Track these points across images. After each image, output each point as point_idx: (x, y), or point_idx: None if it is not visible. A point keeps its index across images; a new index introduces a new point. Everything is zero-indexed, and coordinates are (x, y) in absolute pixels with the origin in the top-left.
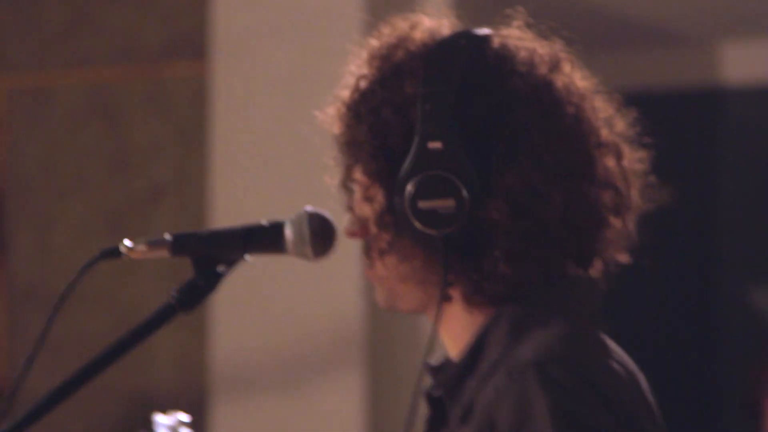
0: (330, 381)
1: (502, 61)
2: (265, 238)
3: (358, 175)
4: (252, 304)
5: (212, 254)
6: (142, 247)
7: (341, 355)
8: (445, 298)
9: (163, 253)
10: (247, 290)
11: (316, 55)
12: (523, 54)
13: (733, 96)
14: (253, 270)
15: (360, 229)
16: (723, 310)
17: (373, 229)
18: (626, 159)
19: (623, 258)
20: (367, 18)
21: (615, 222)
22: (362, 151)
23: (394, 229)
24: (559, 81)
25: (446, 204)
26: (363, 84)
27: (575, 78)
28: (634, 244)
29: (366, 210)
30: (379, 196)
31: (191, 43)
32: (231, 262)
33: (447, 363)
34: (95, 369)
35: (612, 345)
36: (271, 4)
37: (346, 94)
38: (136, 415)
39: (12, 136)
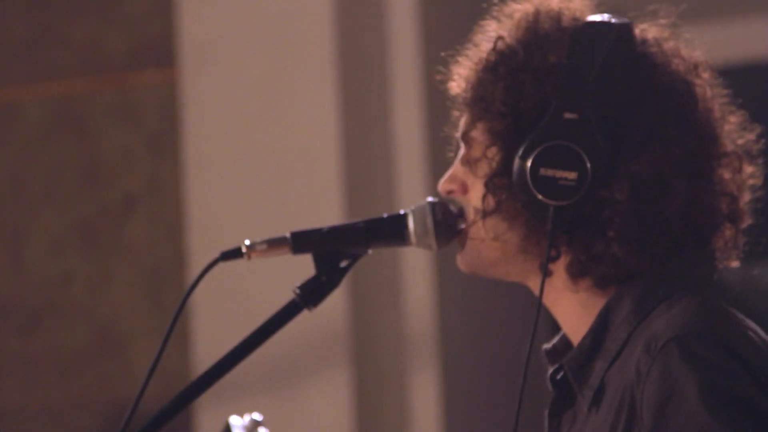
0: (315, 380)
1: (648, 51)
2: (387, 231)
3: (477, 133)
4: (231, 306)
5: (334, 250)
6: (262, 246)
7: (326, 354)
8: (545, 272)
9: (284, 252)
10: (226, 291)
11: (286, 58)
12: (666, 49)
13: None
14: (230, 270)
15: (459, 187)
16: None
17: (481, 189)
18: (743, 172)
19: (733, 264)
20: (334, 22)
21: (728, 228)
22: (491, 110)
23: (504, 192)
24: (697, 84)
25: (568, 176)
26: (502, 45)
27: (710, 85)
28: (742, 252)
29: (480, 168)
30: (497, 156)
31: (157, 51)
32: (354, 257)
33: (562, 344)
34: (216, 373)
35: (742, 316)
36: (238, 8)
37: (480, 51)
38: (117, 427)
39: None
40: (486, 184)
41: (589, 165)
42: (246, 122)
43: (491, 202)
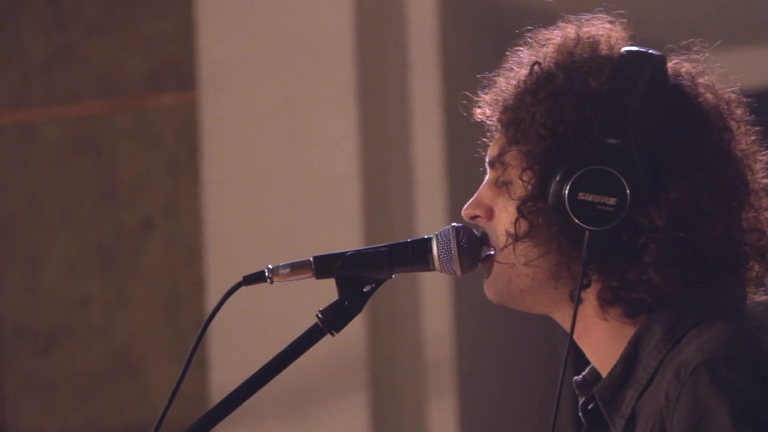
0: (332, 405)
1: (682, 83)
2: (411, 256)
3: (512, 156)
4: (249, 331)
5: (357, 274)
6: (285, 270)
7: (343, 380)
8: (578, 299)
9: (306, 276)
10: (244, 317)
11: (305, 81)
12: (700, 84)
13: None
14: (248, 294)
15: (484, 212)
16: None
17: (513, 213)
18: None
19: (758, 296)
20: (354, 45)
21: (757, 262)
22: (529, 132)
23: (538, 216)
24: (730, 119)
25: (607, 201)
26: (540, 69)
27: (742, 121)
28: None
29: (513, 191)
30: (533, 180)
31: (176, 73)
32: (377, 282)
33: (592, 375)
34: (239, 397)
35: None
36: (257, 31)
37: (516, 76)
38: None
39: None
40: (519, 208)
41: (628, 191)
42: (265, 145)
43: (524, 226)
